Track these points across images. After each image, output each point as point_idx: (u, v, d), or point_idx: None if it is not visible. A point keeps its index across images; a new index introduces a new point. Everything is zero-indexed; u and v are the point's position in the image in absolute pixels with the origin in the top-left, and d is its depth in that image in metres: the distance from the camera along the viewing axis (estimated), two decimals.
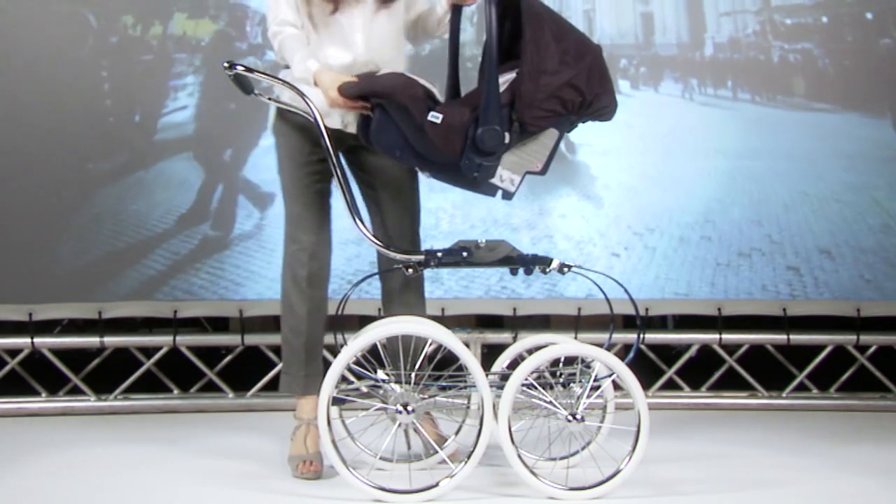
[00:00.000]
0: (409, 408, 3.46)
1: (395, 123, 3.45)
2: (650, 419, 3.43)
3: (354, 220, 3.48)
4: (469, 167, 3.39)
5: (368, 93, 3.48)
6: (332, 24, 3.67)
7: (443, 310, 4.85)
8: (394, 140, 3.46)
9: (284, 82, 3.59)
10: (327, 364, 3.62)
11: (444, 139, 3.37)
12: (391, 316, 3.80)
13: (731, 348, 5.04)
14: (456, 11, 3.66)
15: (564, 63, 3.37)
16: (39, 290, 4.80)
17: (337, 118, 3.70)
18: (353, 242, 4.67)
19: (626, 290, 3.58)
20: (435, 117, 3.37)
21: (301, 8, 3.67)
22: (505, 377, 3.51)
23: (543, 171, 3.47)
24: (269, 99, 3.74)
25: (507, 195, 3.47)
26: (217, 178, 4.88)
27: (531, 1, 3.41)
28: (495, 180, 3.43)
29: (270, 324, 5.14)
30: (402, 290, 3.86)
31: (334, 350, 3.60)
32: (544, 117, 3.39)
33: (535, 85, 3.35)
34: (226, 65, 3.58)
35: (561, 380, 3.53)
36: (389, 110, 3.45)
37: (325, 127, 3.56)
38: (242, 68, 3.57)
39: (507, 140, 3.37)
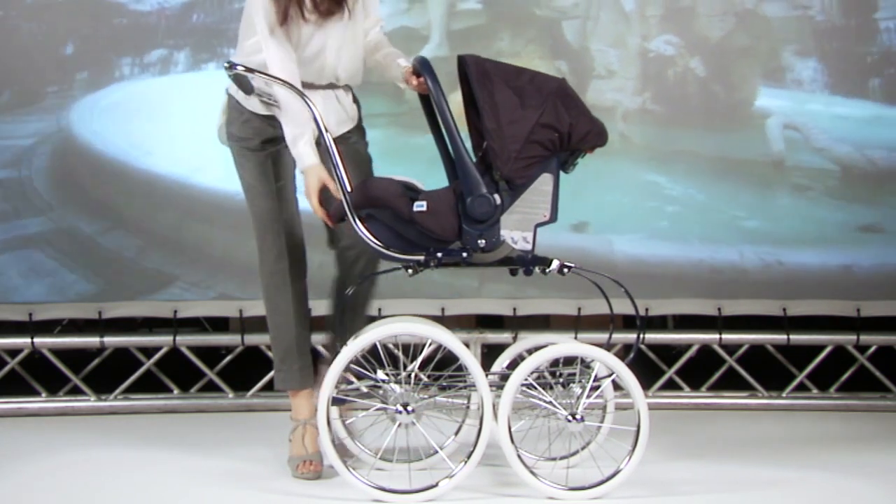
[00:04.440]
0: (409, 408, 3.47)
1: (387, 225, 3.48)
2: (650, 419, 3.44)
3: (353, 220, 3.48)
4: (471, 239, 3.42)
5: (353, 208, 3.49)
6: (301, 40, 3.68)
7: (443, 310, 4.85)
8: (393, 242, 3.48)
9: (284, 82, 3.59)
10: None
11: (437, 223, 3.42)
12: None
13: (731, 348, 5.04)
14: (426, 102, 3.66)
15: (526, 107, 3.40)
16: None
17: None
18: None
19: (626, 290, 3.58)
20: (420, 206, 3.42)
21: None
22: (505, 377, 3.51)
23: (553, 219, 3.49)
24: (270, 97, 3.75)
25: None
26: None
27: (475, 61, 3.46)
28: (509, 244, 3.45)
29: None
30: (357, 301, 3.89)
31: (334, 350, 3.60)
32: (528, 165, 3.41)
33: (503, 139, 3.38)
34: (226, 65, 3.59)
35: (561, 380, 3.53)
36: (377, 216, 3.48)
37: (326, 128, 3.56)
38: (243, 68, 3.58)
39: (498, 202, 3.39)
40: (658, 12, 4.87)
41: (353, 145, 3.83)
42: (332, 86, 3.76)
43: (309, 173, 3.60)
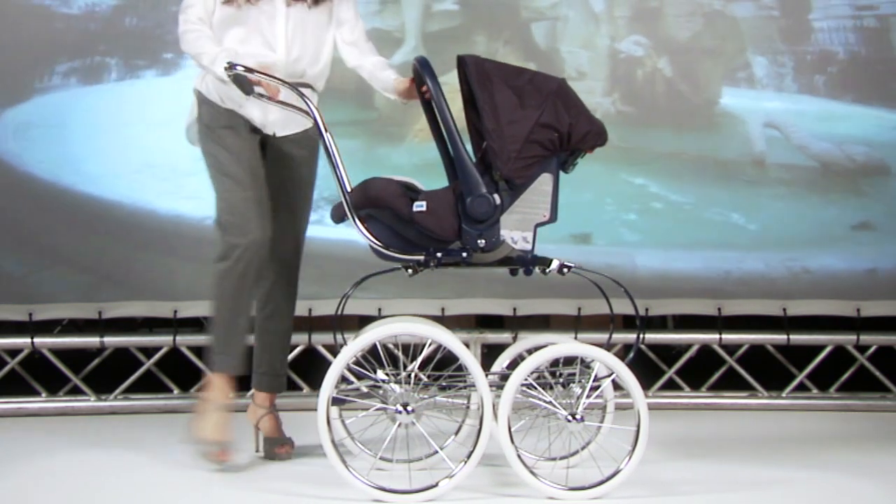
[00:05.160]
0: (409, 408, 3.47)
1: (387, 225, 3.49)
2: (650, 419, 3.43)
3: (353, 218, 3.48)
4: (471, 239, 3.42)
5: (353, 208, 3.50)
6: (249, 23, 3.72)
7: (443, 310, 4.85)
8: (392, 242, 3.49)
9: (284, 82, 3.59)
10: (327, 364, 3.62)
11: (437, 223, 3.43)
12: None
13: (731, 348, 5.04)
14: (426, 102, 3.64)
15: (526, 107, 3.40)
16: (39, 290, 4.80)
17: (258, 118, 3.79)
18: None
19: (626, 291, 3.58)
20: (420, 206, 3.43)
21: (216, 10, 3.71)
22: (505, 377, 3.51)
23: (553, 219, 3.49)
24: (269, 99, 3.74)
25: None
26: None
27: (474, 61, 3.46)
28: (509, 244, 3.45)
29: None
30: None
31: (334, 350, 3.59)
32: (528, 166, 3.41)
33: (503, 139, 3.38)
34: (226, 65, 3.58)
35: (561, 380, 3.53)
36: (377, 216, 3.49)
37: (326, 126, 3.56)
38: (242, 68, 3.57)
39: (498, 202, 3.40)
40: (627, 13, 4.86)
41: (300, 156, 3.88)
42: (299, 84, 3.70)
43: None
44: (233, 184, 3.75)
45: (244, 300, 3.81)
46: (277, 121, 3.82)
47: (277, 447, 3.94)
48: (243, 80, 3.59)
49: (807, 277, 4.90)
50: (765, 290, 4.90)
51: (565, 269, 3.53)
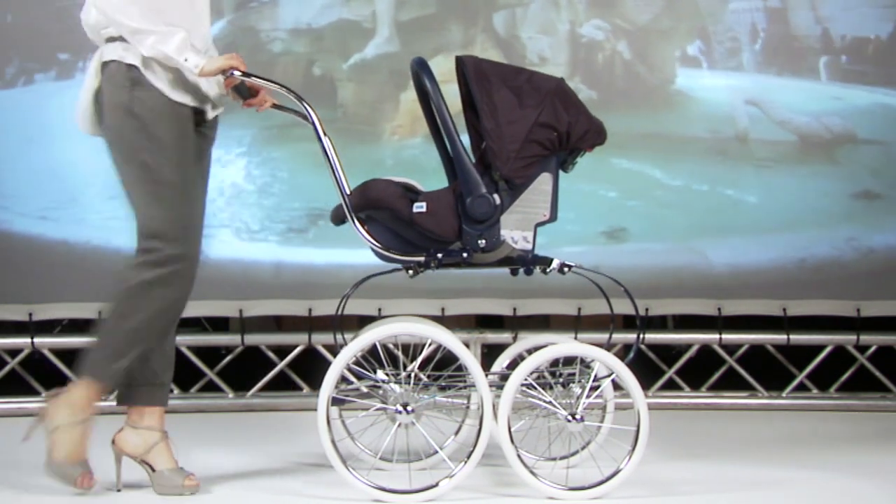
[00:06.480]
0: (409, 408, 3.47)
1: (387, 227, 3.48)
2: (650, 419, 3.43)
3: (353, 221, 3.48)
4: (471, 240, 3.42)
5: (353, 210, 3.47)
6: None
7: (443, 310, 4.85)
8: (392, 243, 3.49)
9: (282, 86, 3.56)
10: (327, 364, 3.62)
11: (437, 224, 3.42)
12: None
13: (731, 348, 5.05)
14: (424, 102, 3.57)
15: (524, 106, 3.40)
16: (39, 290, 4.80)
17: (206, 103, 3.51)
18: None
19: (626, 290, 3.58)
20: (420, 207, 3.42)
21: None
22: (505, 377, 3.51)
23: (553, 218, 3.49)
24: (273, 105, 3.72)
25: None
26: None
27: (473, 61, 3.46)
28: (509, 243, 3.45)
29: (270, 324, 5.16)
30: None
31: (334, 350, 3.59)
32: (528, 165, 3.41)
33: (502, 139, 3.38)
34: (227, 76, 3.52)
35: (561, 380, 3.54)
36: (377, 218, 3.48)
37: (325, 132, 3.52)
38: (239, 73, 3.53)
39: (498, 202, 3.40)
40: None
41: (212, 140, 3.62)
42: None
43: (212, 62, 3.34)
44: (175, 195, 3.34)
45: (169, 326, 3.46)
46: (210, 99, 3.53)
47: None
48: (240, 86, 3.53)
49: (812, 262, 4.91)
50: (768, 282, 4.91)
51: (566, 269, 3.53)
